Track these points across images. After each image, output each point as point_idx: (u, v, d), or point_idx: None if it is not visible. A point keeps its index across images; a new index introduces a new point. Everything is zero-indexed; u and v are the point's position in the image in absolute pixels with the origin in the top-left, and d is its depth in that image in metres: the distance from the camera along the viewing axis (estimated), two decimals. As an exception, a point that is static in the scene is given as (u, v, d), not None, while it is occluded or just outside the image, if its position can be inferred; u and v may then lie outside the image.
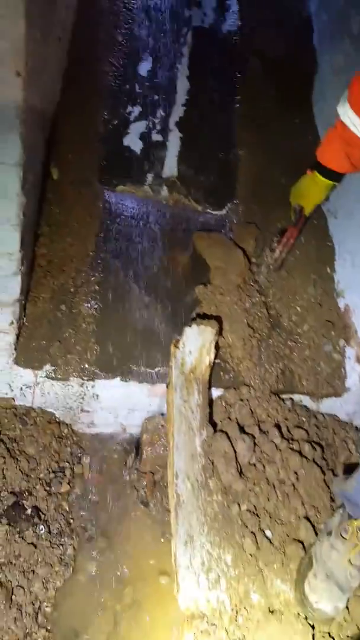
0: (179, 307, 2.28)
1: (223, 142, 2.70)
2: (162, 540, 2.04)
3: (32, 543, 1.83)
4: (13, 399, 2.05)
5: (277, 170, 2.70)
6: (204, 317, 2.20)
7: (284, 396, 2.24)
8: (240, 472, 1.98)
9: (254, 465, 2.03)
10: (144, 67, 2.67)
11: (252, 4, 2.95)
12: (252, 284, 2.41)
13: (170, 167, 2.58)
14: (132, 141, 2.55)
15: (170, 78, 2.70)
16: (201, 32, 2.84)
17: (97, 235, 2.32)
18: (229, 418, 2.14)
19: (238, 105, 2.77)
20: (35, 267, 2.11)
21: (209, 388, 2.15)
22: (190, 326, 2.04)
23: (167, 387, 2.05)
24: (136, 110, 2.60)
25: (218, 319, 2.19)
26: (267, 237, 2.54)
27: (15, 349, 1.96)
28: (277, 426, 2.11)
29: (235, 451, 1.99)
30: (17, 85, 1.34)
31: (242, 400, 2.17)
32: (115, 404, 2.15)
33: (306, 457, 2.04)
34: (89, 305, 2.14)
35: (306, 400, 2.31)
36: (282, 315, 2.39)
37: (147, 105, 2.62)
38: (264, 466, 2.03)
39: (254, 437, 2.05)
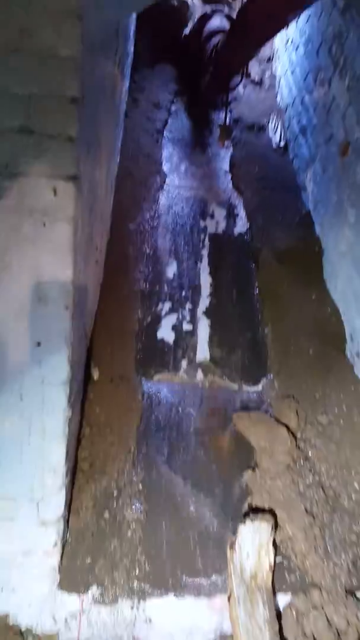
0: (229, 498, 2.15)
1: (248, 322, 2.87)
2: None
3: None
4: (57, 634, 1.81)
5: (303, 342, 2.78)
6: (256, 510, 2.04)
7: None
8: None
9: None
10: (171, 270, 3.02)
11: (257, 209, 3.44)
12: (302, 462, 2.28)
13: (203, 351, 2.70)
14: (165, 333, 2.74)
15: (194, 276, 3.03)
16: (216, 237, 3.28)
17: (138, 428, 2.32)
18: (304, 633, 1.83)
19: (257, 290, 3.01)
20: (77, 472, 2.07)
21: (274, 594, 1.88)
22: (244, 523, 1.89)
23: (228, 600, 1.81)
24: (167, 306, 2.84)
25: (272, 511, 2.03)
26: (307, 408, 2.49)
27: (59, 572, 1.81)
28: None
29: None
30: (66, 319, 1.50)
31: (315, 608, 1.88)
32: (171, 628, 1.87)
33: None
34: (134, 508, 2.03)
35: (386, 597, 1.98)
36: (340, 494, 2.20)
37: (176, 300, 2.88)
38: None
39: (338, 661, 1.72)
